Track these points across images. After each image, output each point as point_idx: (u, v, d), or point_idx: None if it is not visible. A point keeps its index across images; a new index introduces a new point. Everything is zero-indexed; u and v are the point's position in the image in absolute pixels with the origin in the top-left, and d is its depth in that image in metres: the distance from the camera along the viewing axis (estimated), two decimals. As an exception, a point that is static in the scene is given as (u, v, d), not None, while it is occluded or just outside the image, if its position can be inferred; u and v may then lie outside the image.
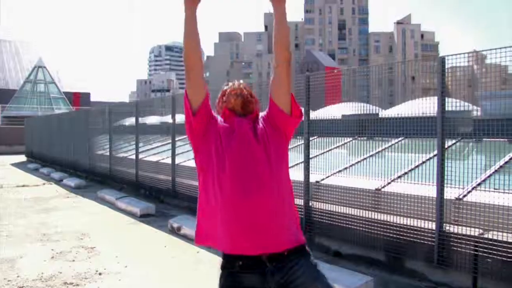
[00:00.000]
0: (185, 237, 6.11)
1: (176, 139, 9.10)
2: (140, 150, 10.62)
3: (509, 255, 3.70)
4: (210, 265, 4.89)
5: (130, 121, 11.88)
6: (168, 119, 10.94)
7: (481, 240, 3.92)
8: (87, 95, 46.22)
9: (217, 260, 5.21)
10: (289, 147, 7.22)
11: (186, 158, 9.28)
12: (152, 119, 13.25)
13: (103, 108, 13.33)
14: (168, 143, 9.90)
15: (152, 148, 11.39)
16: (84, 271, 4.79)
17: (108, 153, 12.02)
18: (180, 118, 11.90)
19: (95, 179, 12.71)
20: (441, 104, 4.39)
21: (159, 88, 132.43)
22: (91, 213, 8.18)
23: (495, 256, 3.80)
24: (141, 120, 11.18)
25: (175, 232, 6.38)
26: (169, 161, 8.97)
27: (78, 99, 43.16)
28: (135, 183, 10.24)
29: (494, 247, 3.81)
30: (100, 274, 4.71)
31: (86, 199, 9.79)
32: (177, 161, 8.83)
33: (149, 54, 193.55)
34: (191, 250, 5.54)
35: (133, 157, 10.53)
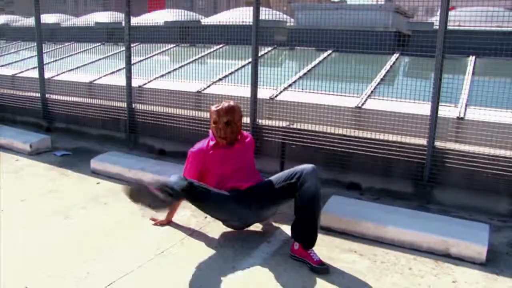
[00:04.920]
0: (1, 147, 5.75)
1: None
2: None
3: (308, 141, 4.43)
4: (27, 172, 4.81)
5: None
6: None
7: (287, 131, 4.59)
8: None
9: (29, 163, 4.99)
10: (110, 53, 7.06)
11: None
12: None
13: None
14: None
15: None
16: None
17: None
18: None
19: None
20: (256, 14, 4.69)
21: None
22: None
23: (298, 143, 4.52)
24: None
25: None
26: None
27: None
28: None
29: (297, 136, 4.51)
30: None
31: None
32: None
33: None
34: (7, 158, 5.28)
35: None
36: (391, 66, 5.49)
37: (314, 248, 2.91)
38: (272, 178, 3.19)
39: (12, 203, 3.90)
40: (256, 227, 3.43)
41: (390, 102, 4.53)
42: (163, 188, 2.81)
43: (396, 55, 5.76)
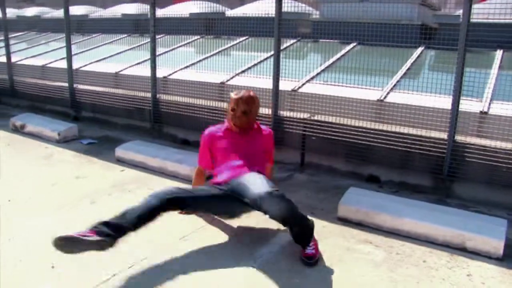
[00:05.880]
0: (30, 135, 5.95)
1: (10, 35, 8.32)
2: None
3: (328, 133, 4.46)
4: (56, 158, 4.98)
5: None
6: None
7: (308, 122, 4.63)
8: None
9: (57, 150, 5.20)
10: (136, 45, 7.18)
11: (24, 56, 8.63)
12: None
13: None
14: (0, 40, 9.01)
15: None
16: None
17: None
18: (13, 13, 10.76)
19: None
20: (278, 6, 4.72)
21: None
22: None
23: (319, 135, 4.55)
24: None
25: (18, 130, 6.14)
26: (3, 59, 8.23)
27: None
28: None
29: (318, 128, 4.55)
30: None
31: None
32: (13, 59, 8.17)
33: None
34: (37, 146, 5.47)
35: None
36: (415, 60, 5.45)
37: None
38: (249, 182, 2.99)
39: (43, 188, 4.07)
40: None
41: (412, 95, 4.50)
42: (98, 228, 2.61)
43: (421, 49, 5.71)
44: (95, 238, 2.55)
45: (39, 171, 4.57)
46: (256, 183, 2.91)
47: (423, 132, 4.07)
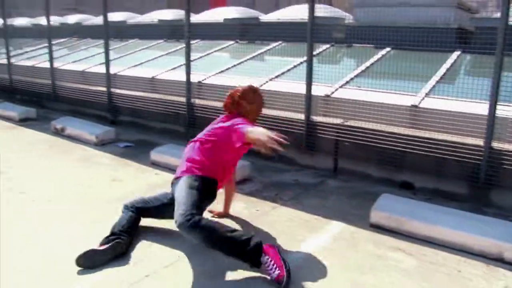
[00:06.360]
0: (69, 137, 6.16)
1: (53, 42, 8.65)
2: (12, 53, 9.89)
3: (361, 139, 4.43)
4: (94, 161, 5.13)
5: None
6: (39, 21, 10.21)
7: (342, 128, 4.61)
8: None
9: (94, 153, 5.34)
10: (172, 50, 7.34)
11: (65, 61, 8.94)
12: (20, 21, 12.20)
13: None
14: (44, 46, 9.37)
15: (25, 52, 10.64)
16: (-36, 172, 4.71)
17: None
18: (56, 20, 11.14)
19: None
20: (311, 11, 4.73)
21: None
22: (-40, 120, 7.69)
23: (352, 141, 4.53)
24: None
25: (59, 133, 6.37)
26: (47, 65, 8.56)
27: None
28: (8, 88, 9.65)
29: (352, 133, 4.52)
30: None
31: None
32: (55, 64, 8.48)
33: None
34: (76, 148, 5.66)
35: (4, 61, 9.80)
36: (451, 64, 5.34)
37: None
38: (176, 198, 2.93)
39: (81, 189, 4.21)
40: (305, 221, 3.50)
41: (448, 101, 4.42)
42: (109, 240, 2.89)
43: (457, 53, 5.60)
44: (108, 245, 2.84)
45: (77, 172, 4.73)
46: (177, 202, 2.85)
47: (459, 139, 3.98)
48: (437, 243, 3.14)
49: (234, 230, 2.75)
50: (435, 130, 4.14)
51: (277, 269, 2.55)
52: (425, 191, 4.19)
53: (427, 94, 4.66)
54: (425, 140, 4.07)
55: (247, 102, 3.34)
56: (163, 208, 3.17)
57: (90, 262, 2.75)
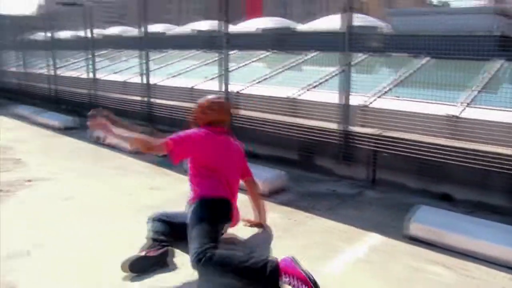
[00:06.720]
0: (109, 146, 6.34)
1: (96, 54, 8.95)
2: (57, 65, 10.30)
3: (401, 150, 4.37)
4: (131, 169, 5.26)
5: (41, 35, 11.35)
6: (83, 33, 10.56)
7: (380, 138, 4.56)
8: (-13, 7, 41.86)
9: (132, 161, 5.48)
10: (210, 60, 7.43)
11: (106, 72, 9.22)
12: (65, 34, 12.63)
13: (9, 21, 12.51)
14: (87, 58, 9.69)
15: (70, 64, 11.04)
16: (13, 179, 4.92)
17: (18, 69, 11.53)
18: (98, 32, 11.50)
19: (4, 96, 12.17)
20: (348, 20, 4.73)
21: (67, 1, 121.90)
22: (9, 128, 8.04)
23: (390, 151, 4.47)
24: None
25: (99, 142, 6.56)
26: (89, 75, 8.86)
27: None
28: (53, 98, 10.04)
29: (390, 144, 4.46)
30: (29, 181, 4.87)
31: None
32: (97, 75, 8.77)
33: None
34: (114, 157, 5.82)
35: (49, 72, 10.22)
36: (493, 73, 5.21)
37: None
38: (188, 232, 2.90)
39: (121, 196, 4.34)
40: (342, 231, 3.48)
41: (489, 111, 4.31)
42: (152, 246, 2.96)
43: (500, 61, 5.45)
44: (157, 252, 2.91)
45: (116, 180, 4.86)
46: (189, 237, 2.85)
47: (503, 150, 3.87)
48: (478, 258, 3.05)
49: (249, 258, 2.63)
50: (477, 141, 4.04)
51: (303, 284, 2.48)
52: (465, 204, 4.08)
53: (468, 104, 4.56)
54: (466, 151, 3.97)
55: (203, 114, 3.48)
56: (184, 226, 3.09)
57: (136, 267, 2.82)
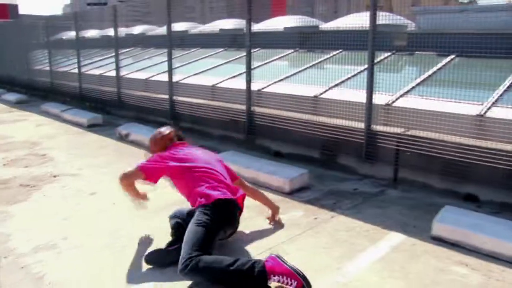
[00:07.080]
0: (133, 143, 6.43)
1: (119, 52, 9.09)
2: (82, 63, 10.49)
3: (425, 149, 4.33)
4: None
5: (67, 35, 11.59)
6: (108, 32, 10.76)
7: (403, 137, 4.53)
8: (15, 7, 42.83)
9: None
10: (232, 58, 7.45)
11: (130, 70, 9.35)
12: (91, 33, 12.86)
13: (40, 21, 12.81)
14: (111, 56, 9.85)
15: (94, 62, 11.25)
16: (39, 174, 5.05)
17: (48, 68, 11.80)
18: (122, 31, 11.66)
19: (35, 94, 12.52)
20: (373, 19, 4.70)
21: (95, 1, 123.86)
22: (37, 125, 8.26)
23: (413, 150, 4.43)
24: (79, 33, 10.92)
25: (123, 138, 6.67)
26: (113, 73, 9.01)
27: (4, 11, 39.95)
28: (79, 96, 10.24)
29: (413, 143, 4.42)
30: (55, 176, 4.99)
31: (30, 112, 9.76)
32: (121, 73, 8.90)
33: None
34: (139, 153, 5.89)
35: (76, 70, 10.42)
36: (522, 72, 5.10)
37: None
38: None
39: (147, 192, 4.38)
40: (364, 230, 3.47)
41: (517, 110, 4.23)
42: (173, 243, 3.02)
43: (529, 60, 5.33)
44: (174, 247, 2.96)
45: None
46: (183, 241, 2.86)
47: (530, 150, 3.80)
48: (505, 260, 3.01)
49: (235, 261, 2.63)
50: (504, 140, 3.97)
51: (293, 280, 2.50)
52: (491, 205, 4.02)
53: (494, 103, 4.48)
54: (492, 151, 3.91)
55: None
56: None
57: (158, 260, 2.94)
